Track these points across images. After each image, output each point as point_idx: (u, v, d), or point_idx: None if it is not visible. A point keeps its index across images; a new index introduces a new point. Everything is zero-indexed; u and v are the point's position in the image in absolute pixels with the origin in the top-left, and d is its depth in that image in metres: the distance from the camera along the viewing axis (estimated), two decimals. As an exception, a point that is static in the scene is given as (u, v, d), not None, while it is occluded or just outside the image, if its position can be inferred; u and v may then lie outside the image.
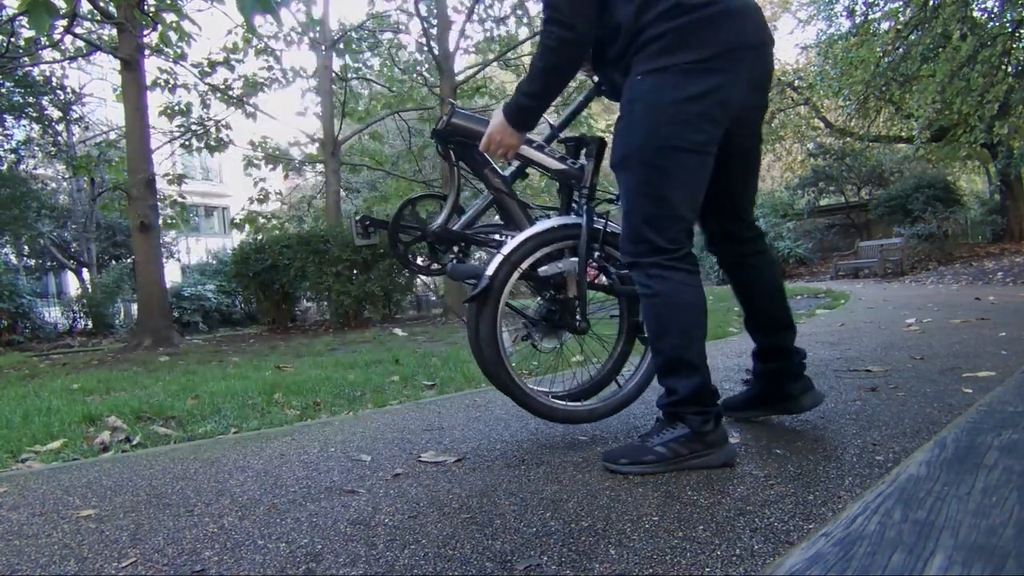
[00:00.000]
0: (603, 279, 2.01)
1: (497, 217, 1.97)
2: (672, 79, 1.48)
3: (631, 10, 1.49)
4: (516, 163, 1.93)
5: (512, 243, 1.76)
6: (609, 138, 1.69)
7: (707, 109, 1.49)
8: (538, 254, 1.80)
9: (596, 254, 1.87)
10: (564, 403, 1.92)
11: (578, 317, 1.88)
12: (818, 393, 1.83)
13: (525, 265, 1.79)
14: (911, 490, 0.47)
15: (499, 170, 1.93)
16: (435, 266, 1.97)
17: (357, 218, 1.91)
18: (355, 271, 9.18)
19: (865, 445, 1.62)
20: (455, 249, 1.92)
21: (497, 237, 1.93)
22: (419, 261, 2.00)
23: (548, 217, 1.92)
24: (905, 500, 0.45)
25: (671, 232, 1.53)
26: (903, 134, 15.58)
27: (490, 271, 1.73)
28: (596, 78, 1.78)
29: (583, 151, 1.90)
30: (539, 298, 1.94)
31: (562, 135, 1.94)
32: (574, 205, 1.89)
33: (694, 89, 1.47)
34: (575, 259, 1.83)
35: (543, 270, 1.84)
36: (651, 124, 1.50)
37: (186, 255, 22.25)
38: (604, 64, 1.65)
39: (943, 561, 0.36)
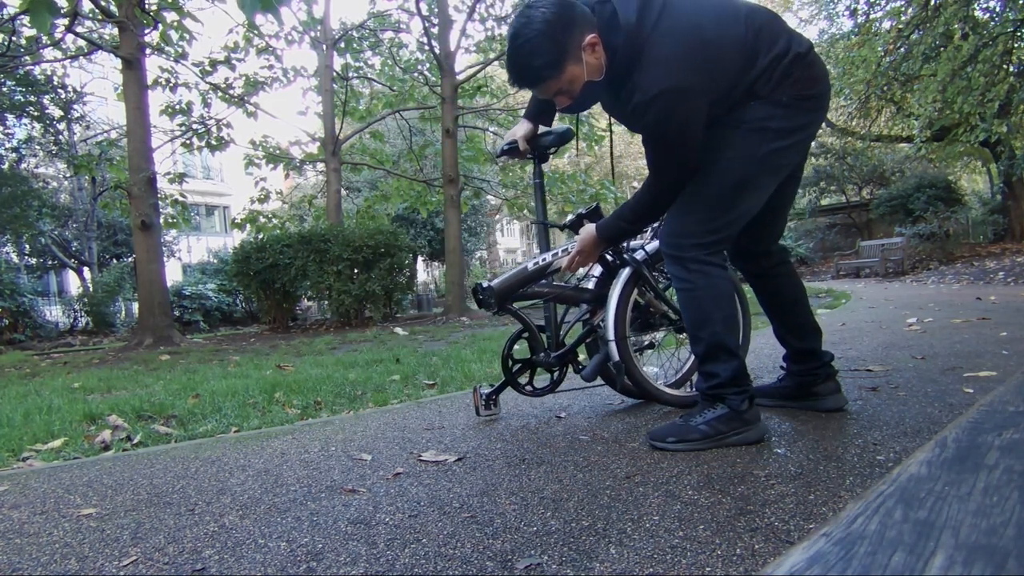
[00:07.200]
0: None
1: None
2: (772, 135, 1.62)
3: (749, 78, 1.60)
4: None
5: (610, 325, 2.06)
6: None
7: (800, 140, 1.68)
8: (629, 314, 2.12)
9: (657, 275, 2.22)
10: (676, 391, 2.26)
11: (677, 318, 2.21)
12: (842, 397, 2.02)
13: (628, 329, 2.12)
14: (912, 490, 0.47)
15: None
16: (558, 379, 2.28)
17: (484, 392, 2.23)
18: (356, 270, 9.17)
19: (866, 445, 1.62)
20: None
21: (585, 310, 2.24)
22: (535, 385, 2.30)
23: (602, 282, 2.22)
24: (906, 500, 0.45)
25: (721, 233, 1.69)
26: (904, 133, 15.57)
27: (616, 356, 2.06)
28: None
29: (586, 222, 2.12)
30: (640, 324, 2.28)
31: (567, 221, 2.13)
32: (611, 260, 2.18)
33: (799, 121, 1.64)
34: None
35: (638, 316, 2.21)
36: (742, 173, 1.65)
37: (187, 254, 22.29)
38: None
39: (944, 561, 0.36)
